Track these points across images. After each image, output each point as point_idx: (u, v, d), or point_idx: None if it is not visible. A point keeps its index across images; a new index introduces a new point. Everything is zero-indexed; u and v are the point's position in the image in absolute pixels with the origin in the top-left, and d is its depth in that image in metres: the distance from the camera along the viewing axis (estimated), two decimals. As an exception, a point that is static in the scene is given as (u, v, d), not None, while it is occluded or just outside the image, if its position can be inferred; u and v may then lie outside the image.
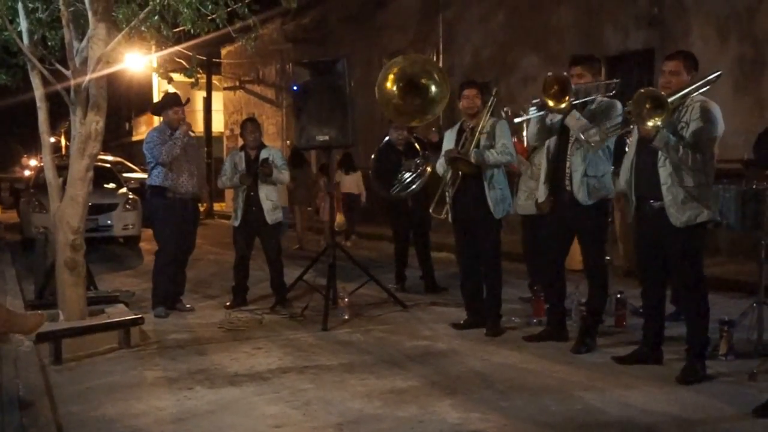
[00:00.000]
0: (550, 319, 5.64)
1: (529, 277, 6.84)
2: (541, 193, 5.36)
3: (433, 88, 6.21)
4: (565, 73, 5.06)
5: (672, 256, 4.62)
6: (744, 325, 5.15)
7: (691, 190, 4.44)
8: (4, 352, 5.17)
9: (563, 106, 4.96)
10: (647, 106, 4.36)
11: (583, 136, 4.96)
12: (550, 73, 5.07)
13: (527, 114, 5.35)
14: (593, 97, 5.15)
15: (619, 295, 5.92)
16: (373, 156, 8.13)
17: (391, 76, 6.17)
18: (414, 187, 7.44)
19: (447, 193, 5.99)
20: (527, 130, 5.80)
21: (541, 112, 5.20)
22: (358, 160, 12.04)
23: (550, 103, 4.97)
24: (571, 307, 6.03)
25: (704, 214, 4.48)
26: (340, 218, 11.77)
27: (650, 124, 4.34)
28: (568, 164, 5.15)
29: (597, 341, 5.29)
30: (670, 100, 4.37)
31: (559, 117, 5.10)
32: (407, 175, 7.51)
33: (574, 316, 5.93)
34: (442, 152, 5.97)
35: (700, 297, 4.59)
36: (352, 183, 12.31)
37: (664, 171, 4.50)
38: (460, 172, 5.85)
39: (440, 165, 6.01)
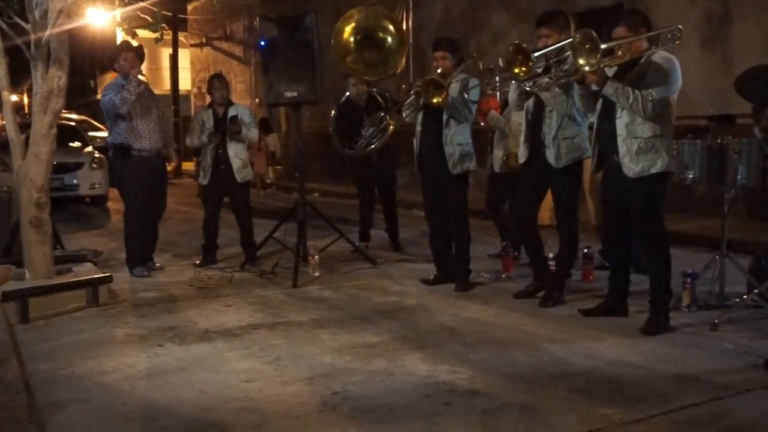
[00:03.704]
0: (538, 273, 5.61)
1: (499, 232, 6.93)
2: (522, 153, 5.40)
3: (389, 40, 6.15)
4: (519, 44, 4.96)
5: (630, 209, 4.69)
6: (707, 278, 5.24)
7: (646, 141, 4.50)
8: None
9: (526, 71, 4.88)
10: (586, 46, 4.37)
11: (547, 96, 5.02)
12: (511, 44, 5.03)
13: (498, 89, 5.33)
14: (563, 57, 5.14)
15: (586, 250, 6.00)
16: (332, 113, 7.94)
17: (347, 29, 6.09)
18: (377, 142, 7.30)
19: (414, 144, 5.98)
20: (508, 95, 5.74)
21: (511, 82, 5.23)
22: (327, 117, 11.93)
23: (516, 71, 4.90)
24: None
25: (658, 165, 4.52)
26: (271, 171, 15.65)
27: (581, 61, 4.37)
28: (544, 124, 5.20)
29: (565, 295, 5.37)
30: (606, 45, 4.39)
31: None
32: (370, 130, 7.41)
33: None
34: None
35: (661, 249, 4.67)
36: (271, 142, 15.46)
37: (620, 122, 4.57)
38: (426, 124, 5.84)
39: (409, 102, 5.95)
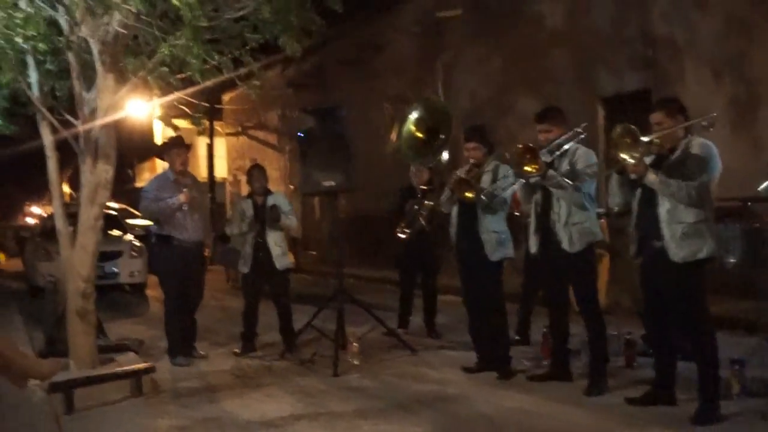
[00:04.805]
0: (553, 359, 5.70)
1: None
2: (533, 244, 5.52)
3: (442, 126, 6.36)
4: (526, 144, 5.20)
5: (672, 295, 4.66)
6: (753, 363, 5.14)
7: (690, 226, 4.51)
8: (20, 400, 5.16)
9: (536, 169, 5.11)
10: (626, 140, 4.47)
11: (562, 191, 5.17)
12: (518, 145, 5.23)
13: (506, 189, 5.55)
14: (567, 147, 5.30)
15: (628, 336, 5.94)
16: (391, 200, 8.16)
17: (411, 119, 6.30)
18: (415, 224, 7.43)
19: (450, 232, 6.06)
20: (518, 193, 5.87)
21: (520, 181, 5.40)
22: (359, 203, 12.14)
23: (527, 170, 5.14)
24: (579, 348, 6.03)
25: (704, 250, 4.52)
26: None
27: (623, 155, 4.45)
28: (553, 213, 5.31)
29: (609, 382, 5.29)
30: (649, 138, 4.47)
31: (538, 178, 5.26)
32: (410, 214, 7.58)
33: (584, 357, 5.92)
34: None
35: (707, 336, 4.61)
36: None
37: (663, 209, 4.59)
38: (462, 214, 5.93)
39: (445, 196, 6.09)
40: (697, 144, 4.57)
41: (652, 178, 4.54)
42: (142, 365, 5.84)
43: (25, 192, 39.52)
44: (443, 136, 6.17)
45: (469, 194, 5.74)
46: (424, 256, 7.76)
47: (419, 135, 6.25)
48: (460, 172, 5.93)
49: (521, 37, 12.18)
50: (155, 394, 5.72)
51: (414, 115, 6.26)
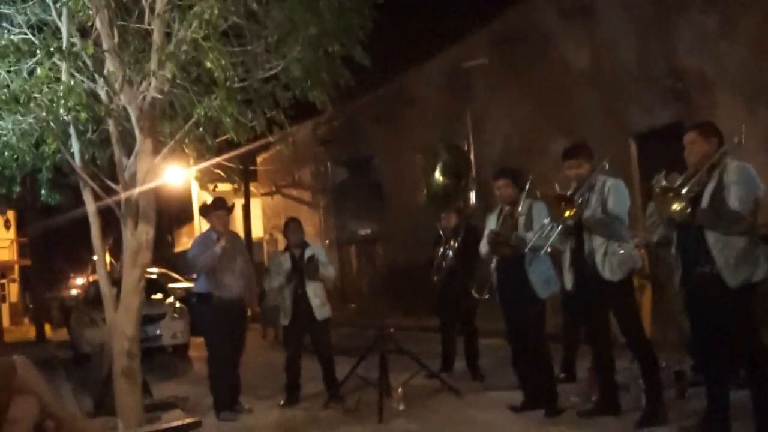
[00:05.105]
0: (601, 394, 5.60)
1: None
2: (568, 280, 5.49)
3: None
4: (556, 194, 5.30)
5: (725, 322, 4.57)
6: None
7: (743, 250, 4.44)
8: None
9: (574, 211, 5.16)
10: (669, 195, 4.48)
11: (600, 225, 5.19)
12: (549, 195, 5.35)
13: (549, 239, 5.48)
14: (596, 182, 5.35)
15: (677, 367, 5.84)
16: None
17: (437, 168, 6.48)
18: (442, 269, 7.69)
19: (492, 276, 6.06)
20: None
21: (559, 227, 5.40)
22: (395, 254, 12.17)
23: (567, 215, 5.18)
24: (627, 382, 5.92)
25: (759, 273, 4.45)
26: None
27: (676, 207, 4.44)
28: (586, 245, 5.29)
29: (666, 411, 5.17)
30: (686, 188, 4.48)
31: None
32: (438, 260, 7.84)
33: (633, 390, 5.81)
34: (485, 234, 6.08)
35: (763, 361, 4.51)
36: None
37: (711, 235, 4.51)
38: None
39: (483, 246, 6.11)
40: (734, 169, 4.53)
41: (702, 219, 4.49)
42: (188, 420, 5.87)
43: (69, 264, 40.38)
44: (464, 180, 6.32)
45: (506, 251, 5.82)
46: (459, 298, 7.77)
47: (446, 180, 6.42)
48: (495, 236, 5.93)
49: (548, 81, 12.30)
50: (203, 450, 5.74)
51: (440, 164, 6.45)
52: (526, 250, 5.69)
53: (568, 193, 5.27)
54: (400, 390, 6.57)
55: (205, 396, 7.40)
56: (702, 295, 4.68)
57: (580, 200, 5.28)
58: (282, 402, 7.19)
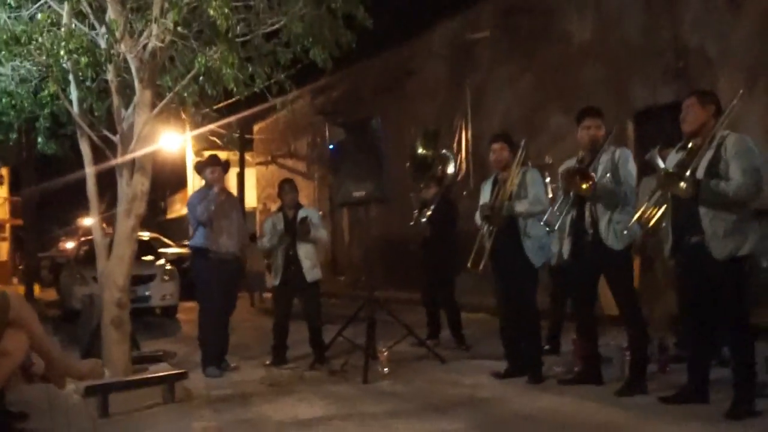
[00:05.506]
0: (584, 363, 5.64)
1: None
2: (566, 249, 5.50)
3: None
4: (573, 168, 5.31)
5: (711, 293, 4.61)
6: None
7: (734, 222, 4.47)
8: (57, 404, 5.26)
9: (591, 184, 5.15)
10: (673, 178, 4.52)
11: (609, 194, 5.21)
12: (563, 171, 5.37)
13: (564, 209, 5.44)
14: (603, 151, 5.36)
15: (661, 341, 5.89)
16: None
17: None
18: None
19: (486, 245, 6.08)
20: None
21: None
22: (392, 218, 12.18)
23: (584, 188, 5.17)
24: (611, 355, 5.97)
25: (745, 247, 4.48)
26: None
27: (683, 185, 4.46)
28: (588, 213, 5.29)
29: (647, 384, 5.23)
30: (690, 168, 4.52)
31: None
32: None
33: (616, 362, 5.87)
34: (479, 205, 6.11)
35: (744, 333, 4.56)
36: None
37: (704, 205, 4.53)
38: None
39: (477, 217, 6.14)
40: (733, 142, 4.53)
41: (706, 194, 4.48)
42: (175, 371, 5.90)
43: (61, 227, 40.29)
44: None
45: (499, 222, 5.87)
46: (436, 268, 7.87)
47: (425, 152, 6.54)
48: (486, 209, 5.98)
49: (551, 54, 12.24)
50: (188, 400, 5.77)
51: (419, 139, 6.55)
52: (517, 211, 5.75)
53: (585, 166, 5.26)
54: (386, 353, 6.62)
55: (192, 354, 7.46)
56: (690, 265, 4.72)
57: (592, 160, 5.29)
58: (268, 362, 7.23)
